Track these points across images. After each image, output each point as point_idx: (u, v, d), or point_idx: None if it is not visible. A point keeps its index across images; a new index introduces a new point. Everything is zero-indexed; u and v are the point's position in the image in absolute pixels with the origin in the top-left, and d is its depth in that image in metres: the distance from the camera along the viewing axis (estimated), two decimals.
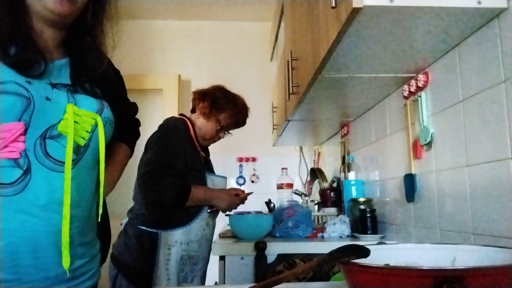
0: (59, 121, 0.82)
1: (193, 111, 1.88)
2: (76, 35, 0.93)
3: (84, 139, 0.87)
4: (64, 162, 0.82)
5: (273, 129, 2.73)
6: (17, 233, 0.78)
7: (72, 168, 0.83)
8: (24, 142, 0.79)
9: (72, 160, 0.83)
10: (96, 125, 0.88)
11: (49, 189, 0.81)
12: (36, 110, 0.79)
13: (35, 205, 0.79)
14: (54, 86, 0.85)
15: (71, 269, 0.84)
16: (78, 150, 0.86)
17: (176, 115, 1.87)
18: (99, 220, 0.94)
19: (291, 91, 1.72)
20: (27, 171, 0.79)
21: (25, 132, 0.79)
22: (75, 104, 0.86)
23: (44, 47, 0.86)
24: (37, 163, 0.80)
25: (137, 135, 1.22)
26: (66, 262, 0.82)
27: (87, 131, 0.87)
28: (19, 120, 0.78)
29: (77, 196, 0.85)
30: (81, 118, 0.86)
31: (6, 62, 0.79)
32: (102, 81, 0.95)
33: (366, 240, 1.64)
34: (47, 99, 0.82)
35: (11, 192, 0.77)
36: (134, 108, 1.19)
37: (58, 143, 0.83)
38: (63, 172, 0.82)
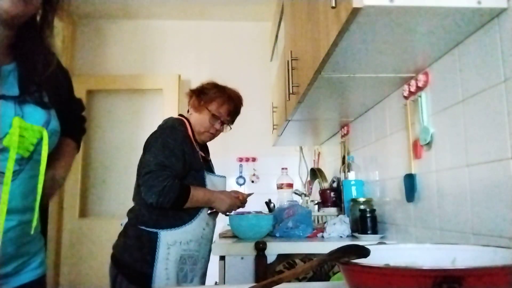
0: (5, 135, 0.82)
1: (188, 110, 1.88)
2: (25, 36, 0.91)
3: (28, 151, 0.87)
4: (2, 174, 0.84)
5: (273, 129, 2.73)
6: None
7: (15, 179, 0.85)
8: None
9: (15, 171, 0.85)
10: (41, 137, 0.89)
11: None
12: None
13: None
14: (1, 97, 0.84)
15: (16, 265, 0.89)
16: (22, 161, 0.87)
17: (175, 115, 1.87)
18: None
19: (291, 91, 1.72)
20: None
21: None
22: (22, 117, 0.86)
23: None
24: None
25: (83, 131, 1.22)
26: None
27: (32, 144, 0.88)
28: None
29: (22, 203, 0.88)
30: (27, 131, 0.86)
31: None
32: (50, 84, 0.94)
33: (366, 240, 1.64)
34: None
35: None
36: (80, 105, 1.18)
37: (3, 155, 0.83)
38: (7, 184, 0.84)
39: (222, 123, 1.83)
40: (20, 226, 0.88)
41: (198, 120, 1.79)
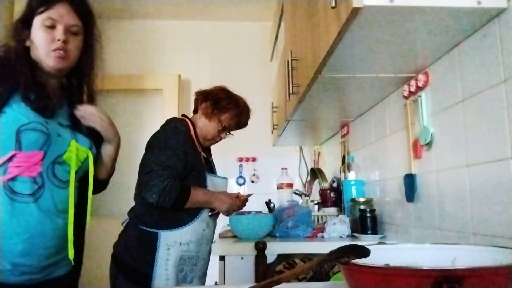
0: (64, 152, 1.15)
1: (195, 111, 1.87)
2: (73, 83, 1.28)
3: (77, 166, 1.19)
4: (65, 182, 1.15)
5: (273, 129, 2.73)
6: (34, 229, 1.08)
7: (67, 187, 1.16)
8: (41, 165, 1.09)
9: (68, 181, 1.16)
10: (87, 157, 1.22)
11: (54, 201, 1.12)
12: (51, 143, 1.11)
13: (44, 212, 1.10)
14: (61, 125, 1.18)
15: (59, 258, 1.16)
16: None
17: (177, 116, 1.87)
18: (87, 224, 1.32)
19: (291, 91, 1.72)
20: (41, 187, 1.10)
21: (42, 158, 1.10)
22: (76, 141, 1.18)
23: (51, 93, 1.16)
24: (48, 181, 1.11)
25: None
26: (71, 254, 1.16)
27: (80, 161, 1.20)
28: (40, 150, 1.09)
29: (69, 206, 1.17)
30: (79, 151, 1.19)
31: (29, 106, 1.08)
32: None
33: (366, 240, 1.64)
34: (58, 135, 1.14)
35: (30, 200, 1.08)
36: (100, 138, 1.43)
37: (63, 168, 1.15)
38: (64, 188, 1.15)
39: (228, 132, 1.86)
40: (65, 225, 1.15)
41: (207, 127, 1.80)
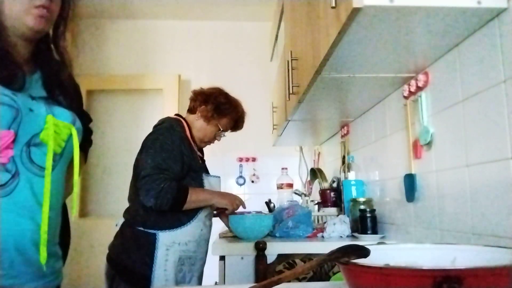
0: (41, 131, 0.91)
1: (190, 110, 1.87)
2: (42, 48, 1.02)
3: (60, 147, 0.96)
4: (44, 168, 0.91)
5: (273, 129, 2.73)
6: (7, 231, 0.85)
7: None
8: (12, 149, 0.86)
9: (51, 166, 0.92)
10: (70, 134, 0.98)
11: (33, 192, 0.89)
12: (22, 120, 0.88)
13: (21, 206, 0.87)
14: (33, 98, 0.93)
15: (48, 265, 0.92)
16: (55, 158, 0.94)
17: (171, 115, 1.86)
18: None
19: (291, 91, 1.72)
20: (15, 175, 0.87)
21: (13, 140, 0.86)
22: (53, 115, 0.94)
23: (19, 61, 0.94)
24: (23, 168, 0.88)
25: (90, 143, 1.28)
26: (43, 258, 0.89)
27: (63, 140, 0.96)
28: (9, 129, 0.85)
29: (53, 200, 0.93)
30: (59, 128, 0.95)
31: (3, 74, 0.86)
32: (68, 91, 1.04)
33: (366, 240, 1.64)
34: (30, 110, 0.90)
35: (1, 194, 0.85)
36: (88, 118, 1.22)
37: (41, 150, 0.91)
38: (43, 177, 0.91)
39: (223, 135, 1.89)
40: (51, 225, 0.93)
41: (205, 129, 1.81)
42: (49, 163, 0.91)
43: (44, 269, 0.91)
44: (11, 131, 0.86)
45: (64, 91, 1.02)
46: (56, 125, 0.94)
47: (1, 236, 0.84)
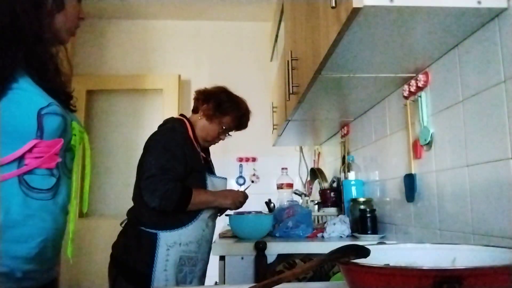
0: (71, 137, 1.00)
1: (194, 110, 1.87)
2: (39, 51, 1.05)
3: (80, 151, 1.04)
4: (70, 170, 1.01)
5: (273, 129, 2.73)
6: (50, 231, 0.94)
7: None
8: (58, 155, 0.94)
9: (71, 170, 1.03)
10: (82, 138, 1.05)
11: (67, 194, 0.99)
12: (66, 128, 0.96)
13: (60, 207, 0.97)
14: (60, 105, 0.98)
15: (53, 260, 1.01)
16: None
17: (175, 115, 1.86)
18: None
19: (291, 91, 1.72)
20: (58, 180, 0.95)
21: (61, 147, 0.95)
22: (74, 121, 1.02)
23: (55, 68, 1.02)
24: (62, 173, 0.97)
25: None
26: (71, 251, 1.02)
27: (80, 144, 1.04)
28: (60, 137, 0.94)
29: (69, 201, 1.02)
30: (80, 133, 1.03)
31: (41, 85, 0.92)
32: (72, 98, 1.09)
33: (366, 240, 1.64)
34: (66, 118, 0.98)
35: (47, 197, 0.93)
36: None
37: (69, 155, 1.01)
38: (70, 178, 1.01)
39: (227, 134, 1.87)
40: (67, 221, 1.03)
41: (207, 128, 1.80)
42: (76, 166, 1.02)
43: (71, 262, 1.04)
44: (61, 139, 0.94)
45: (69, 96, 1.06)
46: (80, 132, 1.03)
47: (45, 234, 0.93)
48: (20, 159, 0.89)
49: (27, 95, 0.89)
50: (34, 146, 0.89)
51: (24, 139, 0.88)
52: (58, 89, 0.98)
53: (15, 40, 0.89)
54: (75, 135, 1.00)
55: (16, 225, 0.88)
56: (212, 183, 1.76)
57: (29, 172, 0.89)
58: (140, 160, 1.69)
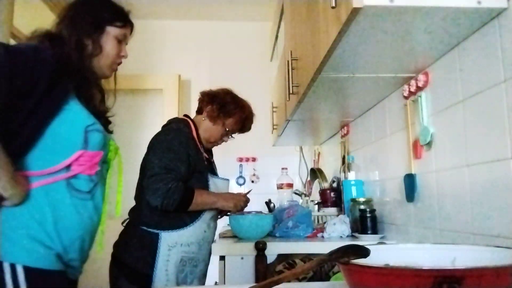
0: (108, 152, 1.24)
1: (198, 111, 1.87)
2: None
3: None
4: (104, 178, 1.25)
5: (273, 129, 2.73)
6: (87, 226, 1.16)
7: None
8: (97, 164, 1.18)
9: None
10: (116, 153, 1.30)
11: (101, 198, 1.22)
12: (105, 143, 1.20)
13: (95, 207, 1.18)
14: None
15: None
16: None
17: (179, 116, 1.86)
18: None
19: (291, 91, 1.72)
20: (96, 185, 1.18)
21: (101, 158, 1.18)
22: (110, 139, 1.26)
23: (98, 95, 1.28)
24: (99, 180, 1.20)
25: None
26: (102, 247, 1.26)
27: (113, 159, 1.28)
28: (101, 150, 1.18)
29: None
30: (115, 150, 1.28)
31: (89, 109, 1.15)
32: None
33: (366, 240, 1.64)
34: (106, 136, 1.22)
35: (87, 197, 1.15)
36: None
37: (105, 166, 1.25)
38: (103, 185, 1.24)
39: (231, 135, 1.87)
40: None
41: (211, 129, 1.80)
42: (109, 177, 1.26)
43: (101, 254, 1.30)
44: (101, 151, 1.18)
45: (108, 121, 1.33)
46: (115, 148, 1.28)
47: (83, 228, 1.15)
48: (69, 165, 1.11)
49: (77, 115, 1.11)
50: (80, 156, 1.11)
51: (72, 149, 1.11)
52: (100, 114, 1.23)
53: (66, 76, 1.10)
54: (111, 151, 1.25)
55: (63, 218, 1.09)
56: (215, 184, 1.76)
57: (74, 176, 1.12)
58: (143, 160, 1.69)
